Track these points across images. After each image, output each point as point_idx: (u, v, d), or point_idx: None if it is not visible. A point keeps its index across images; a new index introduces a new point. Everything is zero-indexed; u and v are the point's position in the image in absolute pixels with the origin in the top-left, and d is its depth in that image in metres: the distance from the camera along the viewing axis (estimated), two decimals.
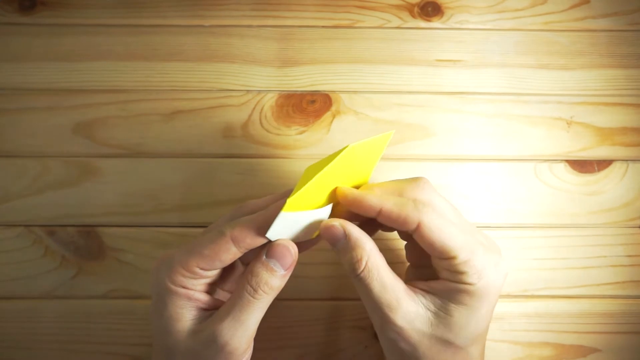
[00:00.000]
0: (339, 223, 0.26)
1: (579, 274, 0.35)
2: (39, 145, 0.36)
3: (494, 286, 0.25)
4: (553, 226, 0.36)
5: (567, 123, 0.37)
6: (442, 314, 0.25)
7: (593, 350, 0.34)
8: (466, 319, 0.25)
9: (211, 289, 0.28)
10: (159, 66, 0.37)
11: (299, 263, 0.31)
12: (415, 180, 0.27)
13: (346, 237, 0.26)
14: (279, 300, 0.34)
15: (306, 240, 0.28)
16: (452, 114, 0.37)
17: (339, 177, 0.26)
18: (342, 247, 0.26)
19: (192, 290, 0.26)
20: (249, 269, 0.26)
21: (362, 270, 0.25)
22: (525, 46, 0.38)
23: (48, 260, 0.34)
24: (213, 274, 0.27)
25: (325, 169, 0.24)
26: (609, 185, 0.36)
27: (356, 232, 0.26)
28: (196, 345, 0.25)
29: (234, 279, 0.30)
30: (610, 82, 0.37)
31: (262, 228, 0.25)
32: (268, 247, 0.26)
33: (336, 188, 0.27)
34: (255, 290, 0.25)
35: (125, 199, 0.35)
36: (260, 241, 0.26)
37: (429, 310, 0.25)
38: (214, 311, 0.26)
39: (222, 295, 0.29)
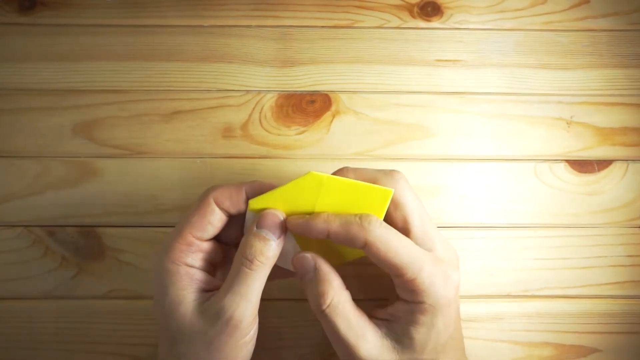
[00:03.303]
0: (311, 255, 0.26)
1: (579, 274, 0.35)
2: (39, 145, 0.36)
3: (445, 299, 0.26)
4: (553, 226, 0.36)
5: (567, 123, 0.37)
6: (404, 340, 0.26)
7: (593, 350, 0.34)
8: (426, 337, 0.26)
9: (212, 269, 0.28)
10: (159, 66, 0.37)
11: None
12: (389, 173, 0.27)
13: (315, 270, 0.26)
14: (279, 301, 0.34)
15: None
16: (452, 114, 0.37)
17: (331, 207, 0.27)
18: (310, 279, 0.26)
19: (193, 267, 0.26)
20: (243, 242, 0.26)
21: (328, 306, 0.26)
22: (525, 46, 0.38)
23: (48, 260, 0.34)
24: (210, 247, 0.27)
25: (288, 184, 0.26)
26: (609, 185, 0.36)
27: (326, 267, 0.26)
28: (201, 325, 0.25)
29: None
30: (610, 82, 0.37)
31: (240, 190, 0.27)
32: (258, 219, 0.26)
33: (287, 218, 0.27)
34: (251, 262, 0.25)
35: (125, 199, 0.35)
36: (239, 200, 0.27)
37: (391, 338, 0.26)
38: (215, 291, 0.26)
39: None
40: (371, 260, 0.26)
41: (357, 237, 0.25)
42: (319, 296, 0.26)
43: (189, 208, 0.28)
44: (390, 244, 0.25)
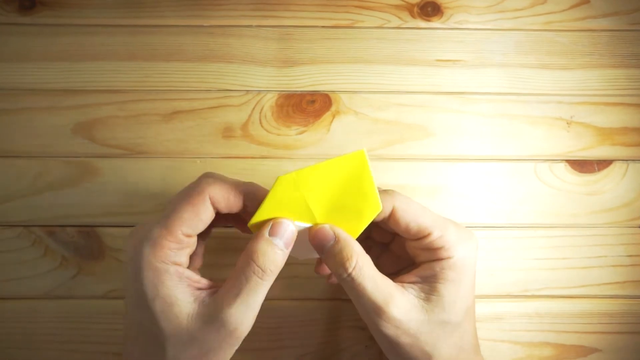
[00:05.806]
0: (328, 226, 0.26)
1: (580, 273, 0.35)
2: (39, 145, 0.36)
3: (470, 258, 0.27)
4: (553, 226, 0.36)
5: (567, 123, 0.37)
6: (433, 297, 0.26)
7: (593, 350, 0.34)
8: (455, 294, 0.26)
9: (190, 263, 0.27)
10: (159, 66, 0.37)
11: (300, 263, 0.32)
12: (386, 190, 0.28)
13: (335, 238, 0.26)
14: (279, 301, 0.34)
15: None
16: (452, 114, 0.37)
17: (320, 201, 0.27)
18: (331, 249, 0.26)
19: (180, 265, 0.25)
20: (253, 249, 0.25)
21: (354, 269, 0.25)
22: (525, 46, 0.38)
23: (48, 260, 0.34)
24: (193, 242, 0.26)
25: (268, 196, 0.26)
26: (609, 185, 0.36)
27: (345, 234, 0.26)
28: (201, 330, 0.24)
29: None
30: (610, 82, 0.37)
31: (238, 193, 0.26)
32: (271, 225, 0.26)
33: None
34: (264, 271, 0.25)
35: (125, 199, 0.35)
36: (237, 204, 0.26)
37: (420, 298, 0.26)
38: (208, 290, 0.25)
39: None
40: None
41: (385, 204, 0.26)
42: (344, 261, 0.25)
43: (179, 195, 0.26)
44: (415, 208, 0.27)
